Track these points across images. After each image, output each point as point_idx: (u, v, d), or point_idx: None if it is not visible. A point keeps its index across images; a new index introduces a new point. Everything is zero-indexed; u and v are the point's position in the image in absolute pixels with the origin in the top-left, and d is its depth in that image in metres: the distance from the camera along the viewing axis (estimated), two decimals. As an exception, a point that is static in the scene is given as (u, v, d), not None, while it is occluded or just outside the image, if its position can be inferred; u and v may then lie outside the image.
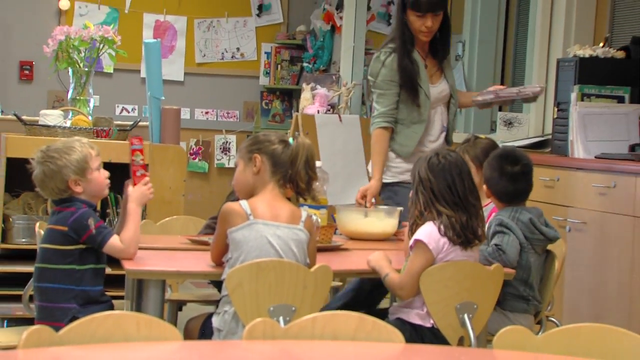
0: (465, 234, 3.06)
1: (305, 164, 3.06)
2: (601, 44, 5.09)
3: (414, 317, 3.09)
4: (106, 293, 3.25)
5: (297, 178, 3.05)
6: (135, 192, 3.19)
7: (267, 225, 2.99)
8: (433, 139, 4.17)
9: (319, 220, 3.40)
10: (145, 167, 3.24)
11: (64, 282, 3.09)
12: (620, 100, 4.73)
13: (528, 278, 3.38)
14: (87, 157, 3.14)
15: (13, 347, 1.92)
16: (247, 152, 3.09)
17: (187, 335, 3.26)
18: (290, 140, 3.12)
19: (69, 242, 3.10)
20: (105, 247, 3.08)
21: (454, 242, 3.06)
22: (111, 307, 3.19)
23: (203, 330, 3.12)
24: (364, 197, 4.08)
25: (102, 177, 3.19)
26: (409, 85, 4.09)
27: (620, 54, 4.80)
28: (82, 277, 3.10)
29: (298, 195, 3.10)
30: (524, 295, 3.38)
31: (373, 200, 4.08)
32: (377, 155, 4.15)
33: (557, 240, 3.45)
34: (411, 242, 3.09)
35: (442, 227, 3.05)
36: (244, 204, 3.01)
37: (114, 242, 3.07)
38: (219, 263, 3.06)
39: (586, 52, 4.77)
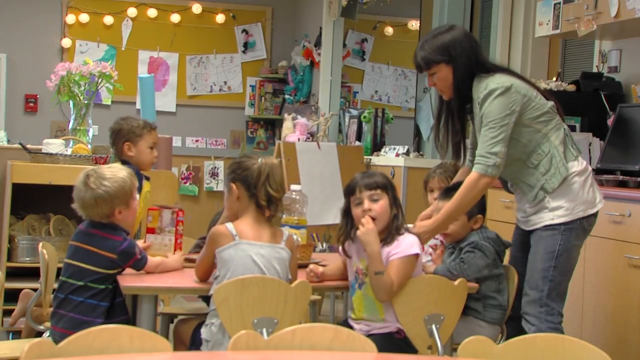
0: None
1: (265, 181, 3.00)
2: (554, 79, 5.13)
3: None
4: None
5: (259, 197, 3.01)
6: (175, 259, 3.23)
7: (252, 245, 2.98)
8: None
9: (299, 239, 3.39)
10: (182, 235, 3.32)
11: (96, 299, 3.08)
12: (572, 129, 4.76)
13: (500, 285, 3.40)
14: (133, 188, 3.16)
15: (17, 359, 1.90)
16: (227, 181, 3.09)
17: (176, 336, 3.27)
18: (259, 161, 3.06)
19: (113, 267, 3.09)
20: (145, 269, 3.13)
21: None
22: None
23: (193, 339, 3.10)
24: None
25: (136, 207, 3.23)
26: None
27: (571, 87, 4.84)
28: (106, 295, 3.11)
29: (270, 215, 3.03)
30: (502, 304, 3.39)
31: None
32: None
33: (510, 247, 3.48)
34: (404, 253, 3.04)
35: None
36: (229, 226, 3.01)
37: (150, 265, 3.14)
38: (204, 279, 3.05)
39: (541, 85, 4.79)
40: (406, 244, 3.06)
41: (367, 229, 3.03)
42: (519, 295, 3.39)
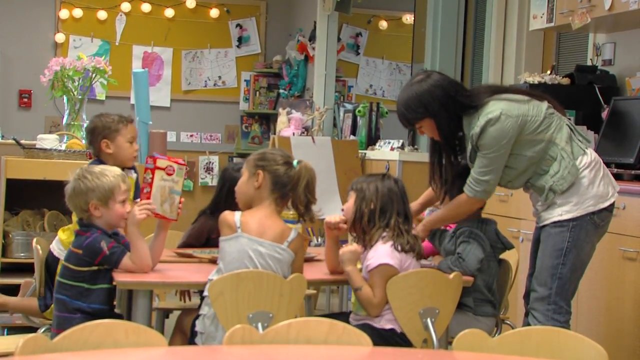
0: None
1: (306, 187, 3.03)
2: (548, 72, 5.13)
3: (385, 322, 3.08)
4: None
5: (297, 201, 3.03)
6: (130, 215, 3.07)
7: (251, 241, 2.96)
8: None
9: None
10: (151, 184, 3.07)
11: (74, 297, 3.05)
12: (567, 122, 4.76)
13: (492, 284, 3.39)
14: (115, 188, 3.07)
15: (12, 354, 1.89)
16: (252, 165, 3.06)
17: (178, 327, 3.30)
18: (295, 162, 3.06)
19: (82, 264, 3.05)
20: (120, 266, 3.01)
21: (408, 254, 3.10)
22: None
23: (192, 332, 3.11)
24: None
25: (122, 210, 3.09)
26: None
27: (566, 81, 4.84)
28: (90, 295, 3.05)
29: (300, 217, 3.06)
30: (490, 300, 3.39)
31: None
32: None
33: (512, 248, 3.47)
34: (374, 265, 3.04)
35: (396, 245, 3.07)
36: (237, 216, 3.00)
37: (127, 261, 3.01)
38: None
39: (535, 78, 4.80)
40: (378, 254, 3.05)
41: (345, 249, 3.09)
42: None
